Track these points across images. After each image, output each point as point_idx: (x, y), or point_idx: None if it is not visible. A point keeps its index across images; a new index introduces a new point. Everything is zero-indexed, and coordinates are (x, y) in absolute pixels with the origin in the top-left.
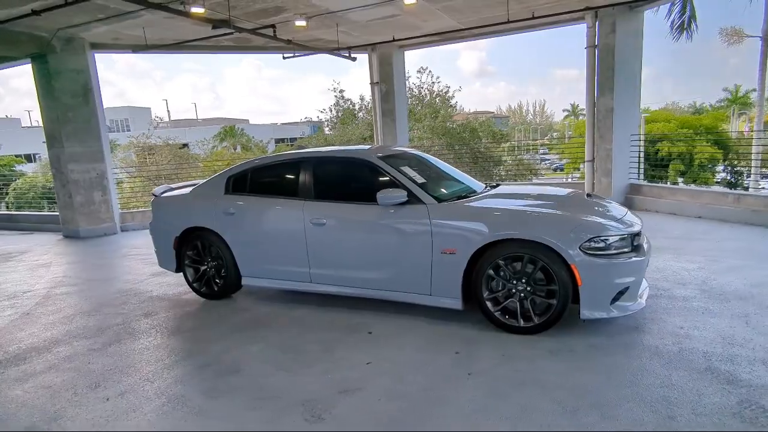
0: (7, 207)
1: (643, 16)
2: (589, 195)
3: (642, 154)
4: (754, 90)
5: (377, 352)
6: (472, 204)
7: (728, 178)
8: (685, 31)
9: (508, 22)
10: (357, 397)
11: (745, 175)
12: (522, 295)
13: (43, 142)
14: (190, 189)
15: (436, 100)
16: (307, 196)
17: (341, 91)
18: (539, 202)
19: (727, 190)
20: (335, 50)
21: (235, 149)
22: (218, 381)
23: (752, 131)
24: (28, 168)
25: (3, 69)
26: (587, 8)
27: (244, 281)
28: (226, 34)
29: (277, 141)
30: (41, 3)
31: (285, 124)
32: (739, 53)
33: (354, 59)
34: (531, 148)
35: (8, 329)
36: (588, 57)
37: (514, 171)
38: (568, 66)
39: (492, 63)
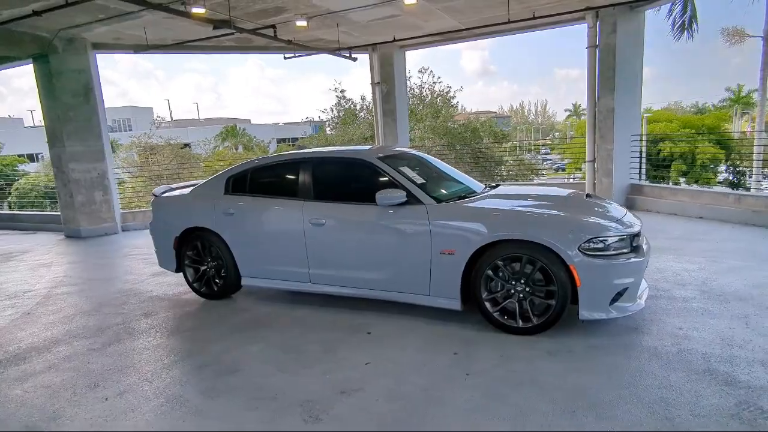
0: (10, 207)
1: (644, 16)
2: (588, 195)
3: (643, 155)
4: (757, 90)
5: (377, 352)
6: (471, 204)
7: (730, 178)
8: (686, 31)
9: (509, 22)
10: (356, 397)
11: (747, 175)
12: (521, 295)
13: (46, 141)
14: (190, 189)
15: (438, 100)
16: (307, 197)
17: (342, 91)
18: (538, 202)
19: (727, 190)
20: (336, 50)
21: (236, 149)
22: (217, 381)
23: (754, 131)
24: (30, 168)
25: (5, 69)
26: (588, 8)
27: (244, 281)
28: (227, 34)
29: (279, 141)
30: (42, 3)
31: (287, 124)
32: (741, 53)
33: (355, 59)
34: (533, 148)
35: (9, 329)
36: (589, 57)
37: (516, 171)
38: (570, 66)
39: (494, 62)
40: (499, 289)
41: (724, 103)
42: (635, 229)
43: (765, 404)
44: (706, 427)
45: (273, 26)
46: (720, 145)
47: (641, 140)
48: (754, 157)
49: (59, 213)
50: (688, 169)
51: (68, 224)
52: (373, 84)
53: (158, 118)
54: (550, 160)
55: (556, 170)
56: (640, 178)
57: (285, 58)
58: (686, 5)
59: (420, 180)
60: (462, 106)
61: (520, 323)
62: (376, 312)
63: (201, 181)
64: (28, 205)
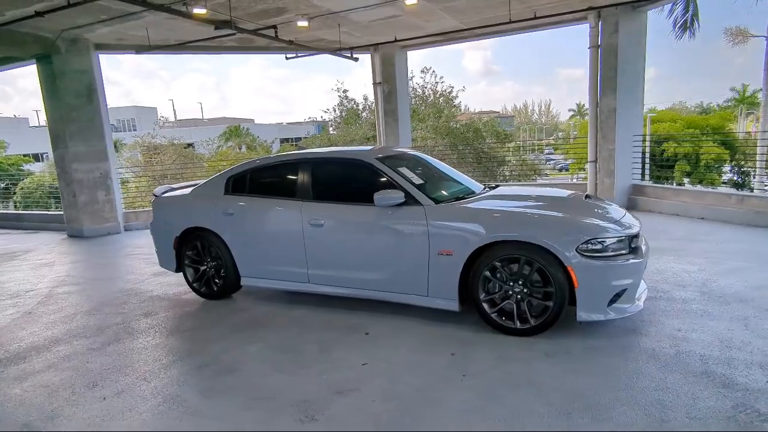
0: (15, 206)
1: (646, 16)
2: (587, 196)
3: (646, 155)
4: (761, 89)
5: (374, 352)
6: (469, 205)
7: (735, 178)
8: (687, 30)
9: (510, 22)
10: (352, 397)
11: (752, 175)
12: (518, 296)
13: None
14: (191, 189)
15: (440, 100)
16: (306, 197)
17: (345, 91)
18: (537, 203)
19: (730, 191)
20: (337, 51)
21: (240, 149)
22: (215, 381)
23: (758, 131)
24: (35, 167)
25: (9, 69)
26: (590, 8)
27: (243, 281)
28: (229, 35)
29: (282, 141)
30: (45, 4)
31: (290, 123)
32: (745, 53)
33: (356, 60)
34: (536, 148)
35: (9, 328)
36: (591, 57)
37: (518, 171)
38: (574, 65)
39: (497, 62)
40: (496, 290)
41: (729, 103)
42: (634, 230)
43: (762, 407)
44: (702, 429)
45: (274, 27)
46: (725, 145)
47: (643, 140)
48: (758, 158)
49: (62, 213)
50: (692, 169)
51: (71, 224)
52: (374, 84)
53: (162, 118)
54: (554, 160)
55: (560, 170)
56: (642, 179)
57: (287, 58)
58: (688, 4)
59: (418, 181)
60: (465, 106)
61: (518, 324)
62: (372, 312)
63: (201, 182)
64: (32, 205)
